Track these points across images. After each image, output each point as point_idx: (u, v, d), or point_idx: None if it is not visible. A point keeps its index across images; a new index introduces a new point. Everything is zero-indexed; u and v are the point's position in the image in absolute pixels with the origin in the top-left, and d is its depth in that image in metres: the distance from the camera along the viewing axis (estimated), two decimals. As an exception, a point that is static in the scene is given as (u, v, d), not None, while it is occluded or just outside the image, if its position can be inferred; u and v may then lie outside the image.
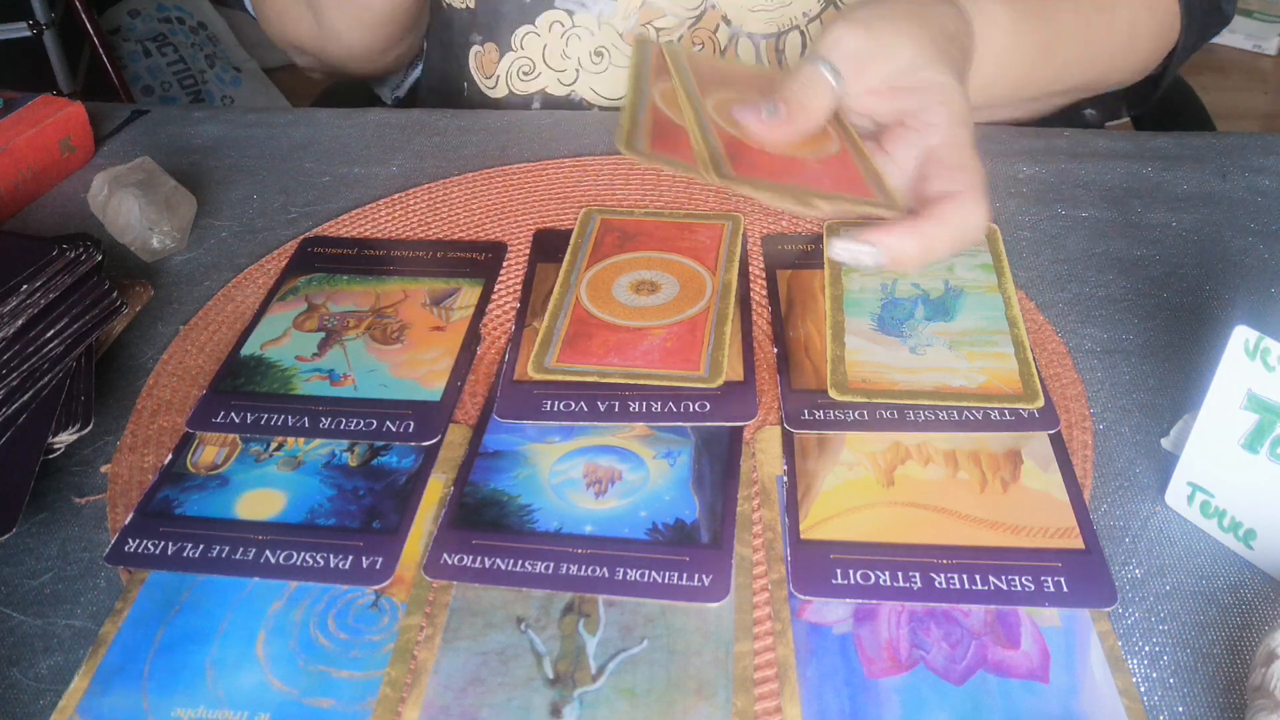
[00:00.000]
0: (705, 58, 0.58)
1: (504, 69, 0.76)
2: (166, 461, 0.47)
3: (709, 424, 0.47)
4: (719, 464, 0.46)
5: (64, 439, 0.47)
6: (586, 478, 0.45)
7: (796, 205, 0.47)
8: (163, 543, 0.43)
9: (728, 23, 0.71)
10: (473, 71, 0.77)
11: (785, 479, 0.45)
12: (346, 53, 0.79)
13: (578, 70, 0.74)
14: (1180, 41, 0.68)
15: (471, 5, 0.75)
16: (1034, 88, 0.65)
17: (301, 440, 0.47)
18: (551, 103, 0.76)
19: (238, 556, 0.42)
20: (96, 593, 0.42)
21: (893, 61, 0.49)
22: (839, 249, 0.47)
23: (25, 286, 0.47)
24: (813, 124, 0.49)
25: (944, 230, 0.46)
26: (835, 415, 0.47)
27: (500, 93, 0.76)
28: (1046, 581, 0.40)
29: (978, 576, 0.40)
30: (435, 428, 0.48)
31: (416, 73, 0.88)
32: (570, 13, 0.73)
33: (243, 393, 0.50)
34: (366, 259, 0.59)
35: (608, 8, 0.72)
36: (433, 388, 0.50)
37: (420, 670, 0.38)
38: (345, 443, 0.47)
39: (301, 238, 0.61)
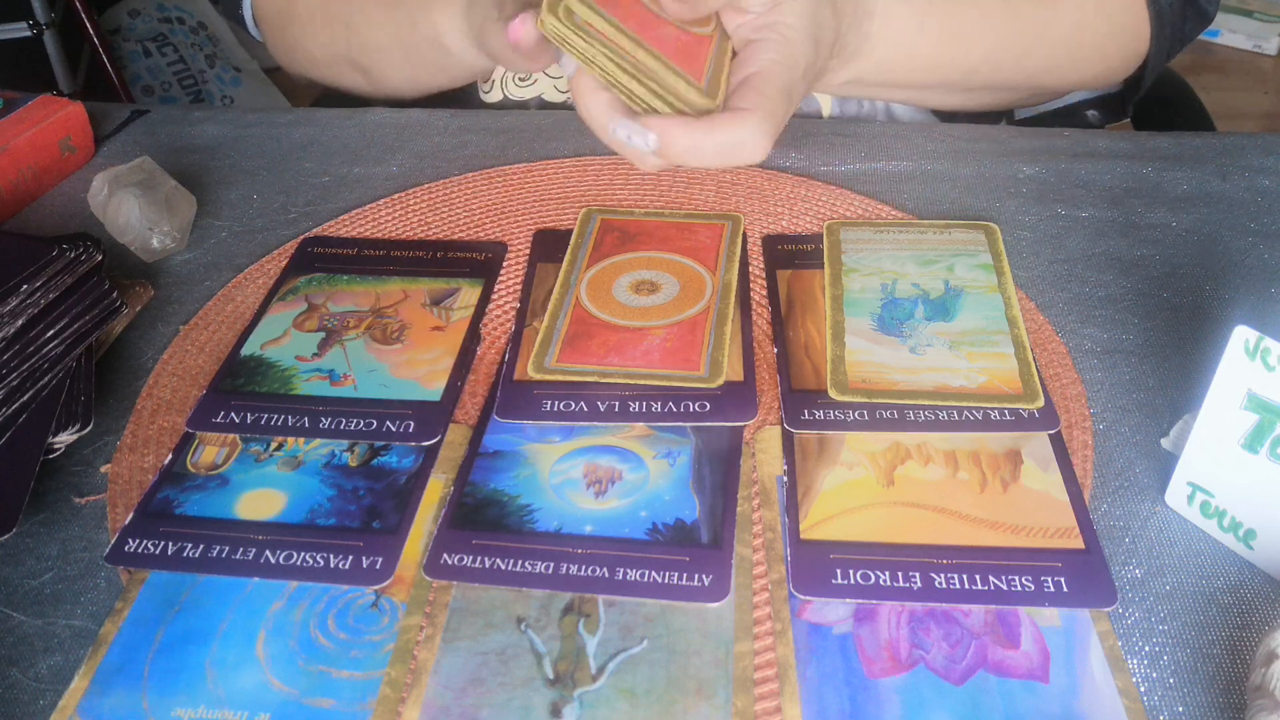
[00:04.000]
0: None
1: (500, 73, 0.75)
2: (166, 461, 0.47)
3: (709, 424, 0.47)
4: (719, 464, 0.46)
5: (64, 439, 0.47)
6: (586, 478, 0.45)
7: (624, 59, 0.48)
8: (163, 543, 0.43)
9: None
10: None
11: (785, 479, 0.45)
12: (392, 98, 0.78)
13: None
14: (1152, 49, 0.68)
15: None
16: (951, 73, 0.66)
17: (301, 440, 0.47)
18: (548, 109, 0.76)
19: (238, 556, 0.42)
20: (96, 593, 0.42)
21: None
22: (622, 128, 0.48)
23: (25, 286, 0.47)
24: (705, 8, 0.51)
25: (713, 139, 0.47)
26: (835, 415, 0.47)
27: (495, 98, 0.76)
28: (1046, 581, 0.40)
29: (978, 576, 0.40)
30: (435, 428, 0.48)
31: None
32: None
33: (243, 393, 0.50)
34: (366, 259, 0.59)
35: None
36: (433, 388, 0.50)
37: (420, 670, 0.38)
38: (345, 443, 0.47)
39: (301, 238, 0.61)
